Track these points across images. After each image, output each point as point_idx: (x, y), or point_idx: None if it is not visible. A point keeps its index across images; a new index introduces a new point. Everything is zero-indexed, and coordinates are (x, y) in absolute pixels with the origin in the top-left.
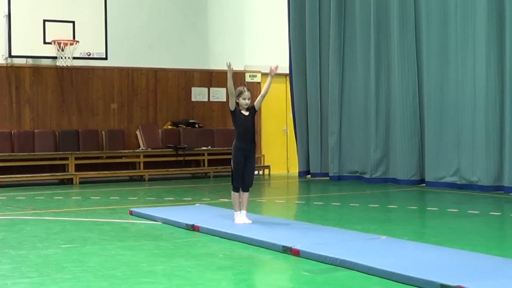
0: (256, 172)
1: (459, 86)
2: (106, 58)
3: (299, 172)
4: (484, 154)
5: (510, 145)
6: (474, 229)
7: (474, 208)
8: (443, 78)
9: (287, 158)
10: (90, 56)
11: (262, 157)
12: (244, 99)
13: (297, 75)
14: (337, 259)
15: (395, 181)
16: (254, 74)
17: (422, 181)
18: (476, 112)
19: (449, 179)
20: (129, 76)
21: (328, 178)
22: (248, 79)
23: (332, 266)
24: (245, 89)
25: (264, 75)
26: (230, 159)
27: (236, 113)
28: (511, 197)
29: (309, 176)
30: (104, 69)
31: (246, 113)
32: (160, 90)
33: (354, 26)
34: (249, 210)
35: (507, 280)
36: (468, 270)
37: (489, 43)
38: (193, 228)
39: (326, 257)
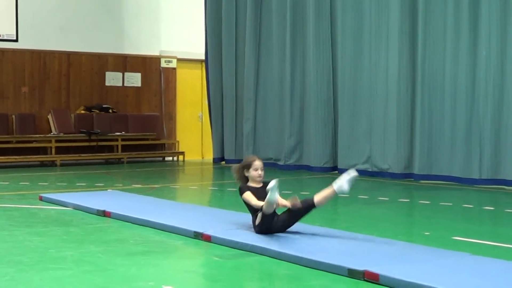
0: (170, 158)
1: (372, 74)
2: (16, 40)
3: (213, 159)
4: (395, 142)
5: (420, 134)
6: (383, 215)
7: (384, 195)
8: (357, 67)
9: (202, 145)
10: (0, 38)
11: (177, 143)
12: (257, 169)
13: (212, 61)
14: (247, 244)
15: (308, 168)
16: (170, 59)
17: (335, 168)
18: (388, 100)
19: (361, 167)
20: (41, 59)
21: None
22: (163, 64)
23: (243, 251)
24: (256, 157)
25: (181, 61)
26: (143, 145)
27: (245, 190)
28: (420, 184)
29: (224, 162)
30: (14, 51)
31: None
32: (73, 74)
33: (270, 13)
34: (162, 196)
35: (412, 264)
36: (375, 255)
37: (402, 33)
38: (104, 213)
39: (237, 242)
